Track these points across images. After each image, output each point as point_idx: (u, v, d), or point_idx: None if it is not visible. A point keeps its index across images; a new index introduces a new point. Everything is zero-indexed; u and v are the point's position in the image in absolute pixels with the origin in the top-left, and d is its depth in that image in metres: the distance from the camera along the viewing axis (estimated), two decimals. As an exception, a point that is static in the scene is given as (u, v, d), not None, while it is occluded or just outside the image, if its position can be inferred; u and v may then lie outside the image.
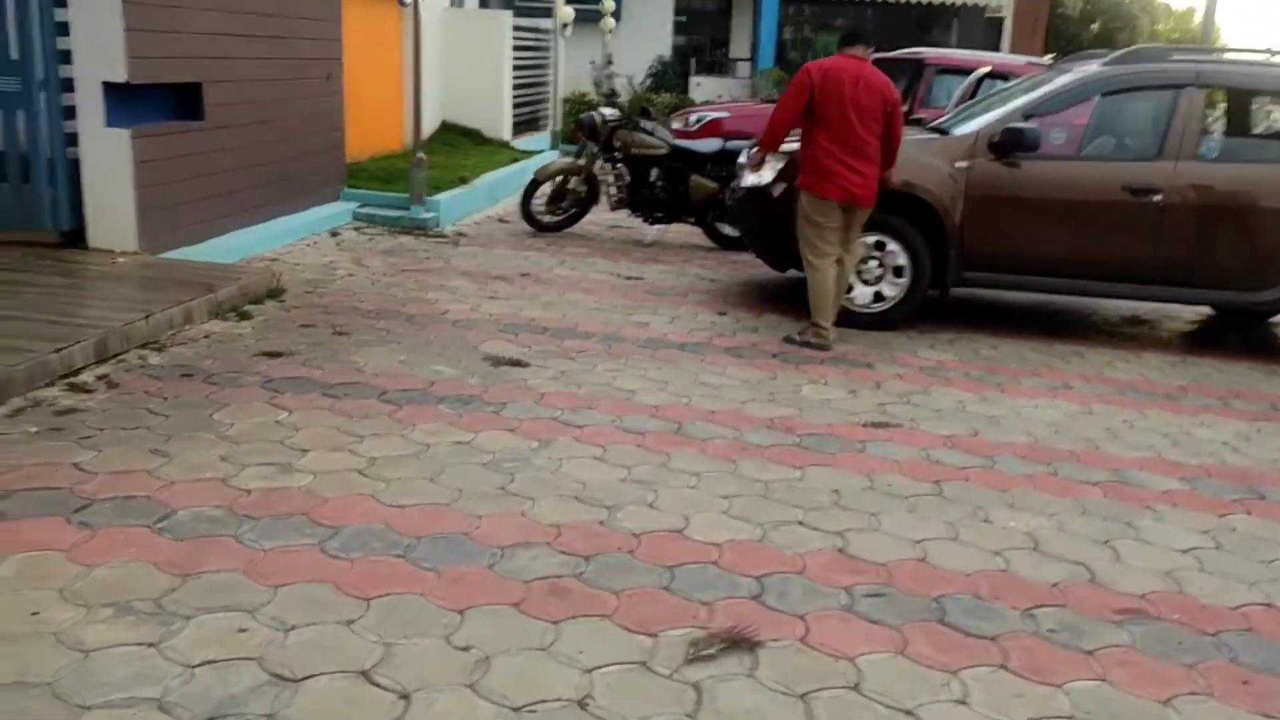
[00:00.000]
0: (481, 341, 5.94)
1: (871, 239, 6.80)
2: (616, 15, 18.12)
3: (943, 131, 7.32)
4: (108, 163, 6.60)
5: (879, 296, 6.92)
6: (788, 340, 6.42)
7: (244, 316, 6.08)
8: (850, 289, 6.81)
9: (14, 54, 6.44)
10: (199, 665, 2.74)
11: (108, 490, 3.69)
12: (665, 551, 3.57)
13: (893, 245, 6.83)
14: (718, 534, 3.74)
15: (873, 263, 6.89)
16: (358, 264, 7.78)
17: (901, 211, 6.76)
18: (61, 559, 3.21)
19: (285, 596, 3.09)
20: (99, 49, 6.42)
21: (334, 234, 8.84)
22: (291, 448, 4.22)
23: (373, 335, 5.90)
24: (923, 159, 6.85)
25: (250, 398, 4.76)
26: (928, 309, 7.11)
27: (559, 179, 9.69)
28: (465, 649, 2.90)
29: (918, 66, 11.31)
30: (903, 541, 3.81)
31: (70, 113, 6.59)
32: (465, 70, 13.99)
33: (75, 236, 6.76)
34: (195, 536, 3.42)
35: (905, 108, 10.67)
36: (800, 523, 3.90)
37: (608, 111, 9.76)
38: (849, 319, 6.79)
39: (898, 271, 6.87)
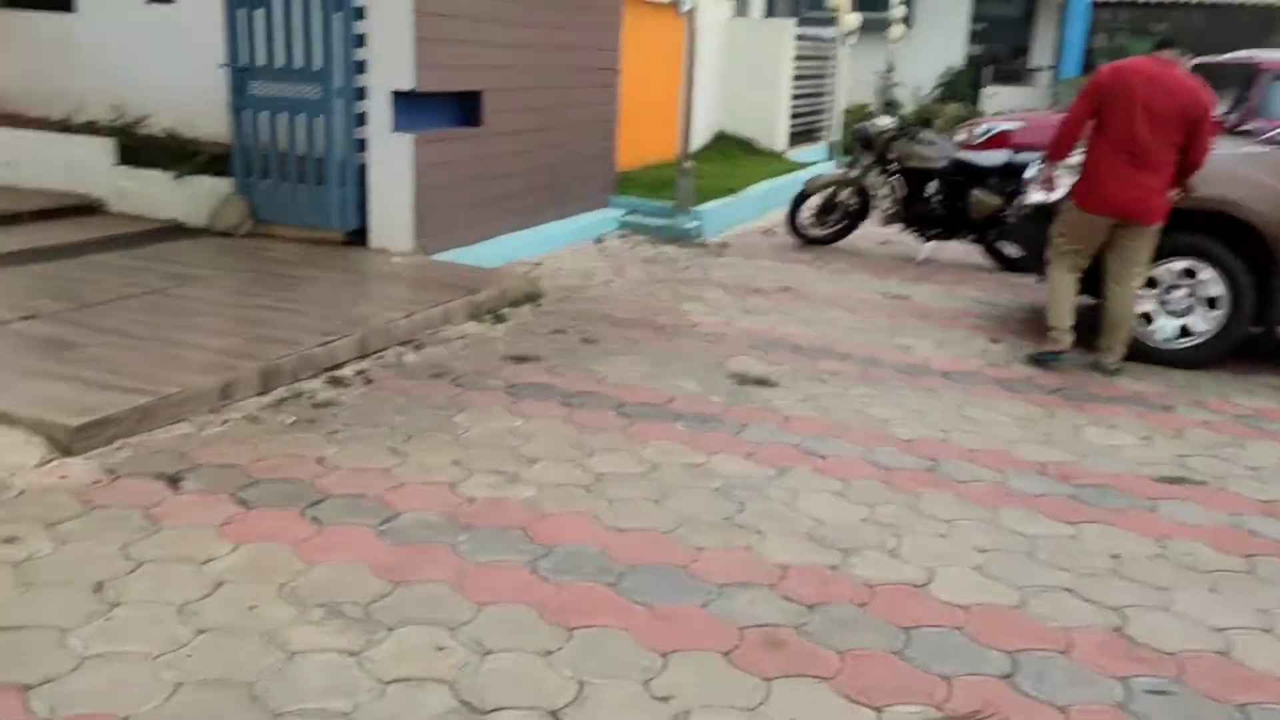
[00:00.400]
0: (729, 357, 5.70)
1: (1179, 265, 5.99)
2: (908, 22, 17.43)
3: (1278, 144, 6.36)
4: (391, 167, 6.90)
5: (1185, 331, 6.08)
6: (1032, 360, 5.86)
7: (499, 320, 6.15)
8: (1149, 320, 6.04)
9: (317, 64, 6.87)
10: (392, 682, 2.65)
11: (343, 487, 3.73)
12: (902, 609, 3.17)
13: (1206, 273, 5.98)
14: (967, 594, 3.29)
15: (1179, 292, 6.06)
16: (617, 272, 7.76)
17: (1220, 234, 5.91)
18: (288, 552, 3.24)
19: (488, 617, 2.97)
20: (390, 59, 6.73)
21: (598, 241, 8.90)
22: (521, 457, 4.14)
23: (620, 345, 5.80)
24: (1250, 175, 5.96)
25: (491, 402, 4.75)
26: (1245, 349, 6.18)
27: (829, 191, 9.31)
28: (664, 699, 2.66)
29: (1250, 72, 10.02)
30: (1199, 627, 3.21)
31: (362, 119, 6.95)
32: (743, 79, 13.85)
33: (359, 236, 7.13)
34: (413, 542, 3.38)
35: (1236, 117, 9.56)
36: (1069, 590, 3.38)
37: (884, 121, 9.27)
38: (1146, 354, 6.02)
39: (1211, 303, 6.00)
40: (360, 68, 6.86)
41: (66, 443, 3.74)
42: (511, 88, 7.83)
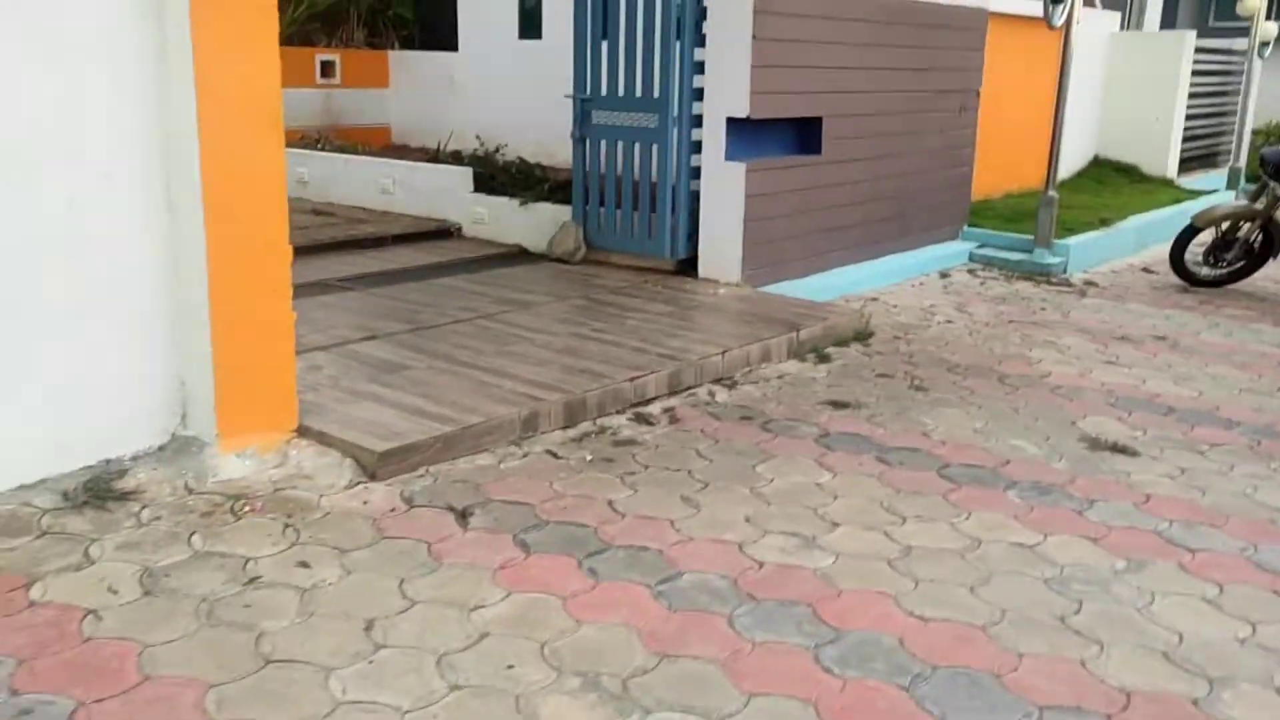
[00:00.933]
0: (1082, 416, 4.96)
1: None
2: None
3: None
4: (722, 196, 6.73)
5: None
6: None
7: (823, 359, 5.77)
8: None
9: (656, 92, 6.85)
10: (637, 776, 2.36)
11: (627, 537, 3.53)
12: (1287, 774, 2.46)
13: None
14: (1383, 764, 2.50)
15: None
16: (960, 310, 7.11)
17: None
18: (558, 606, 3.07)
19: (755, 711, 2.61)
20: (726, 86, 6.57)
21: (944, 275, 8.25)
22: (822, 518, 3.75)
23: (953, 394, 5.23)
24: None
25: (799, 451, 4.38)
26: None
27: (1225, 225, 8.06)
28: None
29: None
30: None
31: (697, 147, 6.84)
32: (1128, 98, 12.49)
33: (689, 265, 7.02)
34: (689, 608, 3.09)
35: None
36: None
37: (1300, 143, 7.89)
38: None
39: None
40: (698, 95, 6.76)
41: (373, 467, 3.82)
42: (854, 113, 7.43)
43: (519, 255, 7.64)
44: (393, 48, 12.66)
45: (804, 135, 7.21)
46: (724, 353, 5.36)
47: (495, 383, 4.65)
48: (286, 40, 11.82)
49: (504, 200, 8.00)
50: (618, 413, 4.72)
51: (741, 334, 5.70)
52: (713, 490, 3.95)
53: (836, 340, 6.05)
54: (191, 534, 3.33)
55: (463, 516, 3.60)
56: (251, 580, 3.09)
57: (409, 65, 12.31)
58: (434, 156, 9.30)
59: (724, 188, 6.72)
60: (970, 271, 8.43)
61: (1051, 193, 8.32)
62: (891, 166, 7.98)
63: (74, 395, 3.56)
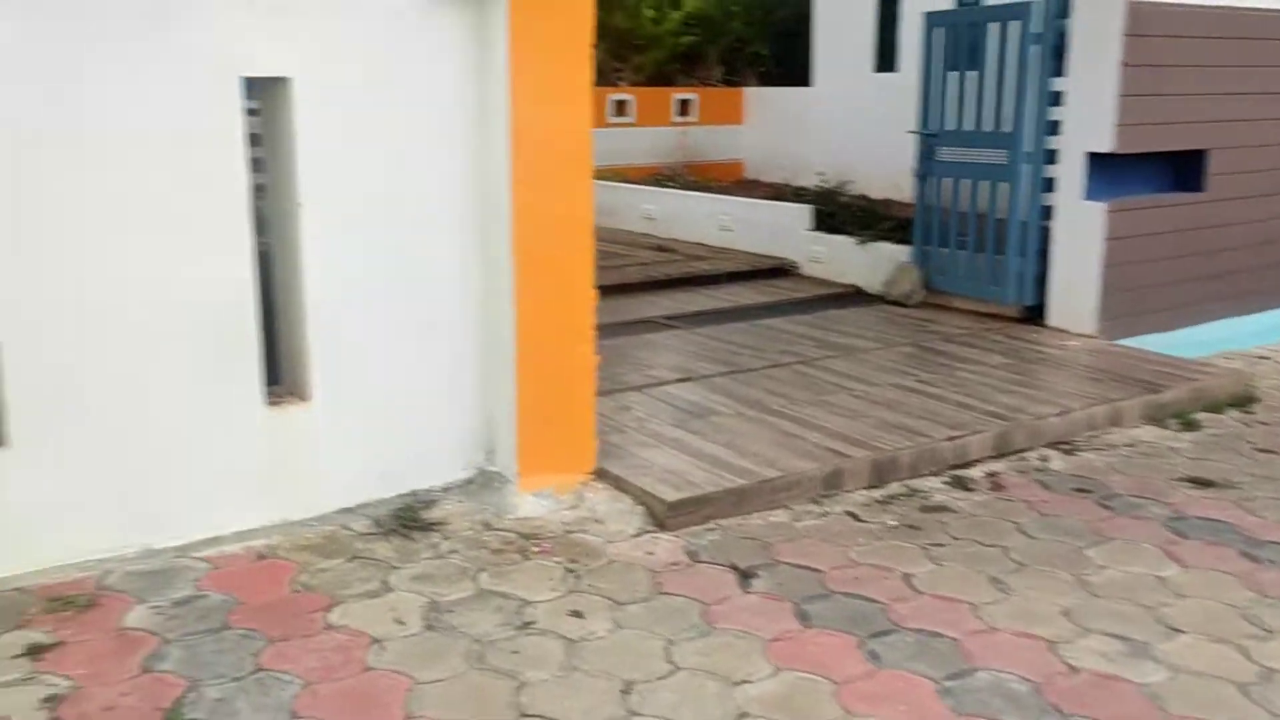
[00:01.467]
0: None
1: None
2: None
3: None
4: (1077, 238, 6.11)
5: None
6: None
7: (1188, 426, 5.04)
8: None
9: (1006, 127, 6.36)
10: None
11: (919, 619, 3.21)
12: None
13: None
14: None
15: None
16: (1380, 375, 5.97)
17: None
18: (830, 692, 2.82)
19: None
20: (1088, 118, 5.96)
21: (1361, 332, 6.98)
22: (1162, 621, 3.21)
23: (1353, 481, 4.36)
24: None
25: (1142, 535, 3.81)
26: None
27: None
28: None
29: None
30: None
31: (1049, 185, 6.27)
32: None
33: (1036, 312, 6.44)
34: (976, 713, 2.73)
35: None
36: None
37: None
38: None
39: None
40: (1053, 129, 6.19)
41: (662, 517, 3.76)
42: (1246, 144, 6.50)
43: (854, 296, 7.38)
44: (749, 85, 12.82)
45: (1181, 170, 6.40)
46: (1063, 413, 4.82)
47: (801, 434, 4.45)
48: (646, 81, 12.34)
49: (842, 238, 7.78)
50: (932, 475, 4.35)
51: (1087, 393, 5.11)
52: (1028, 573, 3.52)
53: (1207, 405, 5.27)
54: (480, 571, 3.43)
55: (745, 577, 3.44)
56: (525, 625, 3.11)
57: (763, 101, 12.40)
58: (777, 194, 9.26)
59: (1080, 229, 6.09)
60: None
61: None
62: (1290, 204, 6.90)
63: (395, 427, 3.81)
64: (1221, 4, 6.15)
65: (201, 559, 3.45)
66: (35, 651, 2.90)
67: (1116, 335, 6.11)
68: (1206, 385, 5.32)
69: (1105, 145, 5.92)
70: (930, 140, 6.87)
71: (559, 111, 3.64)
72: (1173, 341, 6.22)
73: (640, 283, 7.52)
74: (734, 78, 12.94)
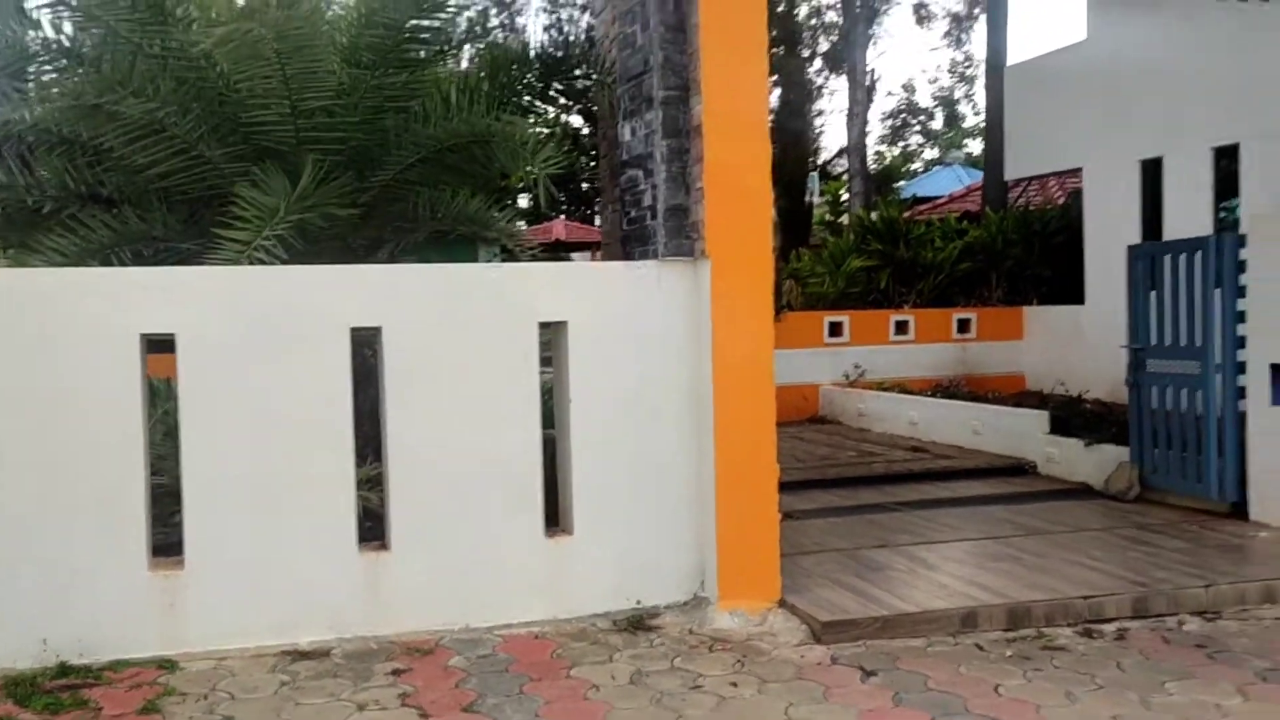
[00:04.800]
0: None
1: None
2: None
3: None
4: (1270, 439, 6.74)
5: None
6: None
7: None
8: None
9: (1198, 341, 7.20)
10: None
11: (987, 710, 4.22)
12: None
13: None
14: None
15: None
16: None
17: None
18: (897, 744, 3.96)
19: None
20: (1268, 334, 6.72)
21: None
22: (1188, 730, 4.03)
23: None
24: None
25: (1228, 677, 4.53)
26: None
27: None
28: None
29: None
30: None
31: (1242, 392, 6.98)
32: None
33: (1241, 508, 7.00)
34: (996, 764, 3.76)
35: None
36: None
37: None
38: None
39: None
40: (1241, 343, 6.95)
41: (820, 634, 5.02)
42: None
43: (1080, 492, 8.17)
44: (1030, 303, 13.80)
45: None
46: (1208, 586, 5.52)
47: (951, 584, 5.54)
48: (928, 303, 13.71)
49: (1073, 440, 8.63)
50: (1068, 625, 5.25)
51: (1248, 574, 5.74)
52: (1102, 693, 4.39)
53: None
54: (675, 657, 4.86)
55: (866, 674, 4.62)
56: (695, 687, 4.49)
57: (1041, 318, 13.34)
58: (1019, 401, 10.21)
59: (1270, 432, 6.73)
60: None
61: None
62: None
63: (633, 556, 5.39)
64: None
65: (498, 635, 5.15)
66: (397, 672, 4.68)
67: (1314, 532, 6.57)
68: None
69: (1281, 357, 6.63)
70: (1139, 353, 7.75)
71: (746, 340, 5.26)
72: (1383, 539, 6.55)
73: (883, 475, 8.76)
74: (1015, 297, 13.98)
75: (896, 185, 33.76)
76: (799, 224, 22.53)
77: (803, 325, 12.95)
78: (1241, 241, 6.97)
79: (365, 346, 5.38)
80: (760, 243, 5.35)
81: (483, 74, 6.54)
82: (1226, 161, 10.75)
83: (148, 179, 5.70)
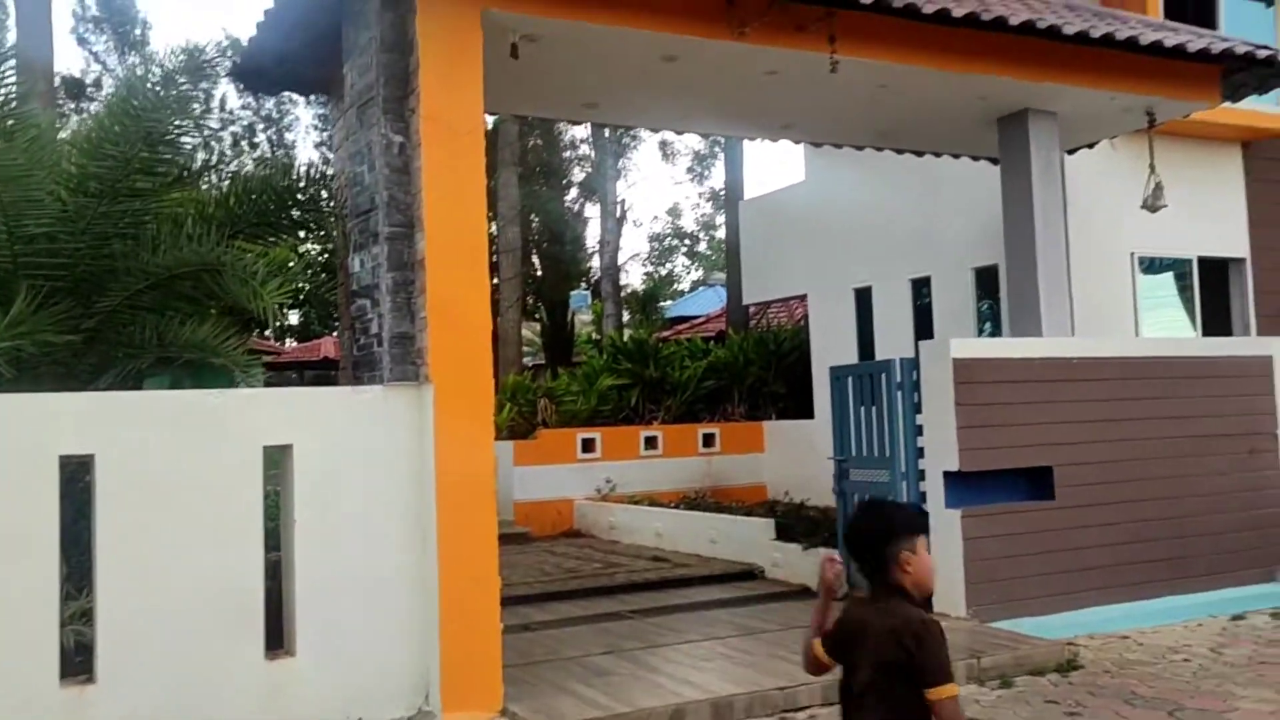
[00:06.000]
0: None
1: None
2: None
3: None
4: (946, 540, 7.59)
5: None
6: None
7: (1005, 685, 6.30)
8: None
9: (886, 451, 8.09)
10: None
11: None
12: None
13: None
14: None
15: None
16: (1214, 650, 7.08)
17: None
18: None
19: None
20: (940, 445, 7.66)
21: (1236, 619, 8.06)
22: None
23: (1098, 722, 5.57)
24: None
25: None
26: None
27: None
28: None
29: None
30: None
31: (924, 497, 7.87)
32: None
33: (928, 602, 7.81)
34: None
35: None
36: None
37: None
38: None
39: None
40: (921, 453, 7.88)
41: (535, 737, 5.29)
42: (1095, 461, 8.01)
43: (800, 593, 8.80)
44: (770, 418, 14.83)
45: (1035, 482, 7.92)
46: (888, 674, 6.17)
47: (663, 682, 5.97)
48: (676, 419, 14.49)
49: (794, 546, 9.36)
50: (765, 714, 5.75)
51: (920, 660, 6.44)
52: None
53: (1032, 669, 6.52)
54: (394, 768, 5.01)
55: (574, 775, 4.92)
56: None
57: (779, 432, 14.36)
58: (748, 511, 11.00)
59: (946, 533, 7.60)
60: (1276, 614, 8.14)
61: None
62: (1159, 510, 8.24)
63: (357, 673, 5.51)
64: (1039, 354, 7.95)
65: (214, 761, 5.12)
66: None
67: (990, 618, 7.42)
68: (1027, 654, 6.60)
69: (953, 465, 7.56)
70: (842, 463, 8.61)
71: (468, 459, 5.60)
72: (1044, 625, 7.47)
73: (623, 585, 9.19)
74: (756, 412, 14.99)
75: (662, 305, 35.38)
76: (562, 343, 23.26)
77: (558, 442, 13.41)
78: (917, 365, 7.96)
79: (84, 473, 5.36)
80: (481, 367, 5.75)
81: (220, 203, 6.73)
82: (924, 289, 12.15)
83: None
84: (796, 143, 10.28)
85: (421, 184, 5.69)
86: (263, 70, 7.32)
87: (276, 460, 5.55)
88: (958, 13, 6.96)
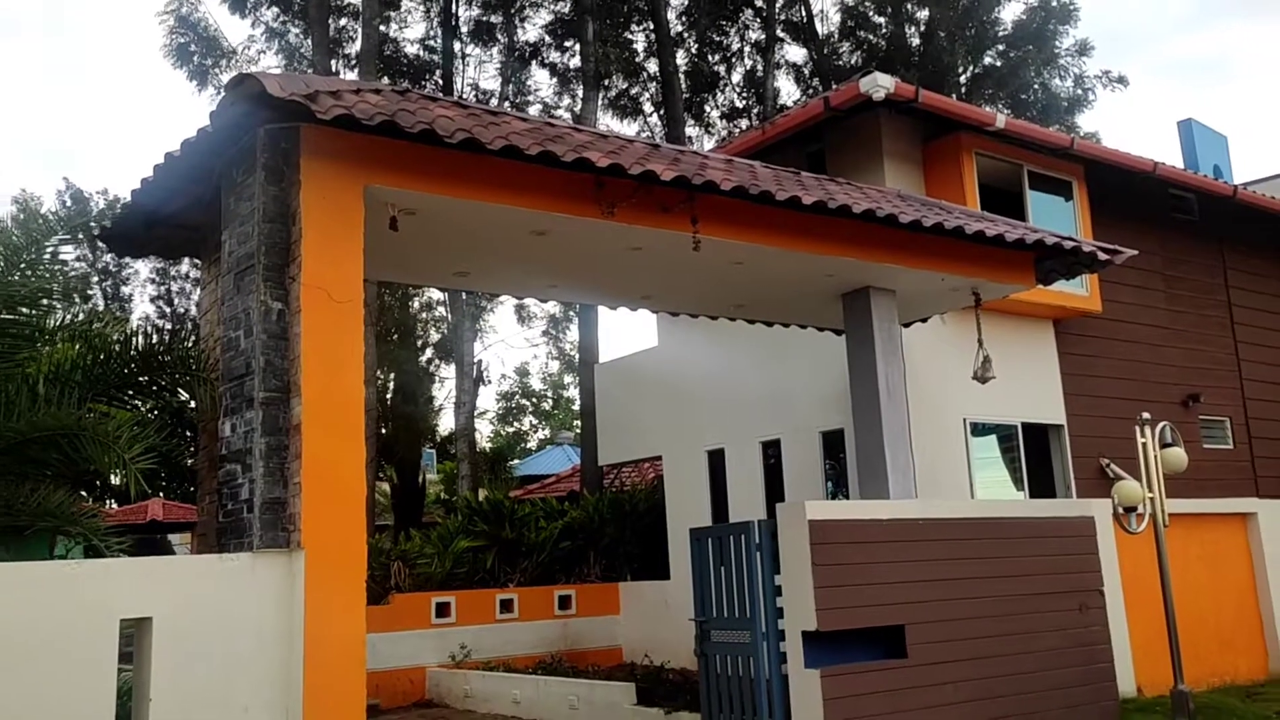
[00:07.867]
0: None
1: None
2: None
3: None
4: (803, 699, 7.75)
5: None
6: None
7: None
8: None
9: (747, 612, 8.26)
10: None
11: None
12: None
13: None
14: None
15: None
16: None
17: None
18: None
19: None
20: (798, 605, 7.88)
21: (1076, 769, 8.42)
22: None
23: None
24: None
25: None
26: None
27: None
28: None
29: None
30: None
31: (785, 657, 8.04)
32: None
33: (792, 759, 7.88)
34: None
35: None
36: None
37: None
38: None
39: None
40: (781, 613, 8.08)
41: None
42: (943, 619, 8.34)
43: (667, 760, 8.79)
44: (625, 579, 14.85)
45: (889, 641, 8.20)
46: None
47: None
48: (532, 581, 14.34)
49: (656, 710, 9.33)
50: None
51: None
52: None
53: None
54: None
55: None
56: None
57: (634, 593, 14.38)
58: (608, 674, 10.92)
59: (805, 692, 7.76)
60: (1112, 765, 8.53)
61: (1259, 689, 8.52)
62: (1000, 667, 8.61)
63: None
64: (888, 516, 8.37)
65: None
66: None
67: (853, 776, 7.54)
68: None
69: (811, 625, 7.78)
70: (704, 625, 8.72)
71: (339, 627, 5.50)
72: (901, 782, 7.64)
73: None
74: (612, 573, 14.99)
75: (511, 463, 35.24)
76: (412, 503, 22.83)
77: (410, 607, 13.06)
78: (774, 526, 8.25)
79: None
80: (355, 532, 5.72)
81: (77, 364, 6.56)
82: (774, 451, 12.62)
83: None
84: (655, 312, 10.75)
85: (300, 350, 5.73)
86: (130, 235, 7.29)
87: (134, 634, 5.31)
88: (807, 200, 7.60)
